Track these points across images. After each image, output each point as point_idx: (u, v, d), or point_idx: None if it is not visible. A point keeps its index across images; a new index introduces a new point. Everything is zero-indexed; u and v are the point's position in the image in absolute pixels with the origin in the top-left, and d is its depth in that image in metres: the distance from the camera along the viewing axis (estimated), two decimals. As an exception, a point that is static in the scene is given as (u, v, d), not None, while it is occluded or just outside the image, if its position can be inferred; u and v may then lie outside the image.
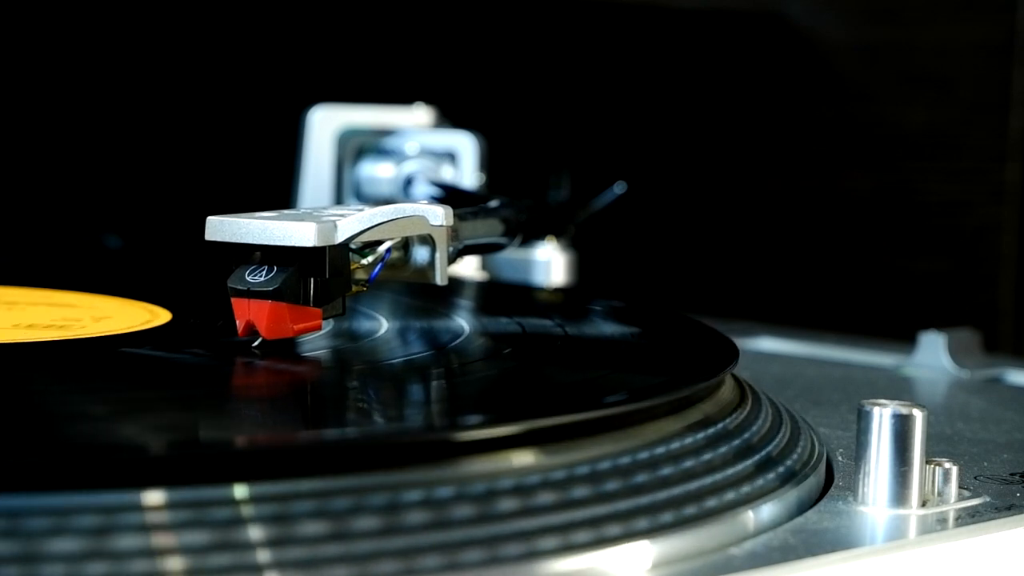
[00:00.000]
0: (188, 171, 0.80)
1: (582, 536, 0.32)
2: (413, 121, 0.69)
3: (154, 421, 0.34)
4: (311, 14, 0.82)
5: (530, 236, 0.57)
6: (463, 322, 0.48)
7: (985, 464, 0.42)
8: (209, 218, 0.42)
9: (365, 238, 0.42)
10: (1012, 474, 0.41)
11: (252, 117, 0.81)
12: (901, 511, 0.36)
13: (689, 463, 0.36)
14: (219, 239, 0.41)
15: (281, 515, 0.29)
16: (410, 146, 0.67)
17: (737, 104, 0.95)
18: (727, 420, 0.39)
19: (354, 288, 0.42)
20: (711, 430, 0.37)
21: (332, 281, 0.41)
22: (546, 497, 0.32)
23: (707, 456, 0.36)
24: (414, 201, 0.53)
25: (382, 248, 0.43)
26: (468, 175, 0.66)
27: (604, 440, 0.35)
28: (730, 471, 0.36)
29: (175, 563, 0.28)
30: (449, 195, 0.60)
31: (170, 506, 0.29)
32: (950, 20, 0.91)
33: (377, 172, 0.67)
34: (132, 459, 0.30)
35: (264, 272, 0.41)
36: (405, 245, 0.44)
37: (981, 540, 0.36)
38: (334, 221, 0.41)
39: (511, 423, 0.34)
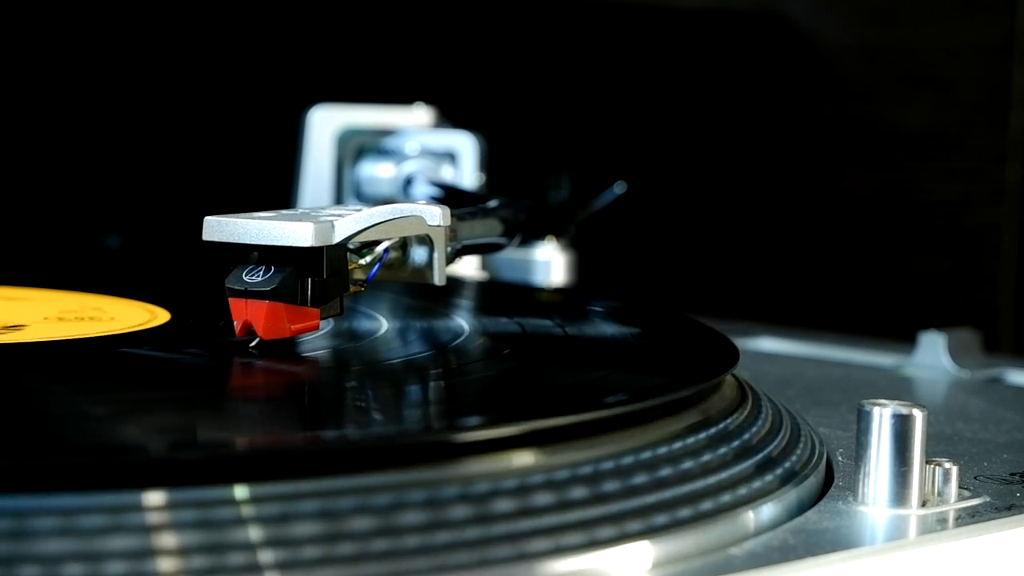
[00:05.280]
0: (188, 171, 0.80)
1: (581, 537, 0.32)
2: (413, 121, 0.69)
3: (154, 422, 0.34)
4: (311, 14, 0.82)
5: (530, 236, 0.57)
6: (463, 322, 0.48)
7: (985, 464, 0.42)
8: (207, 218, 0.42)
9: (363, 238, 0.42)
10: (1012, 474, 0.41)
11: (252, 117, 0.81)
12: (901, 511, 0.36)
13: (689, 463, 0.35)
14: (216, 239, 0.41)
15: (280, 515, 0.29)
16: (410, 146, 0.67)
17: (738, 104, 0.95)
18: (727, 420, 0.39)
19: (352, 288, 0.42)
20: (711, 430, 0.37)
21: (330, 281, 0.41)
22: (546, 498, 0.32)
23: (707, 456, 0.36)
24: (413, 201, 0.53)
25: (380, 248, 0.43)
26: (468, 175, 0.66)
27: (604, 441, 0.35)
28: (730, 471, 0.36)
29: (176, 564, 0.28)
30: (448, 195, 0.60)
31: (170, 506, 0.29)
32: (950, 20, 0.91)
33: (377, 172, 0.67)
34: (133, 460, 0.30)
35: (261, 272, 0.40)
36: (403, 245, 0.44)
37: (981, 540, 0.36)
38: (331, 221, 0.41)
39: (511, 424, 0.34)
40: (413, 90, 0.74)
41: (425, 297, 0.52)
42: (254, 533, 0.29)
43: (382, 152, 0.68)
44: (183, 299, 0.50)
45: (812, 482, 0.38)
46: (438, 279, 0.44)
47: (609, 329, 0.51)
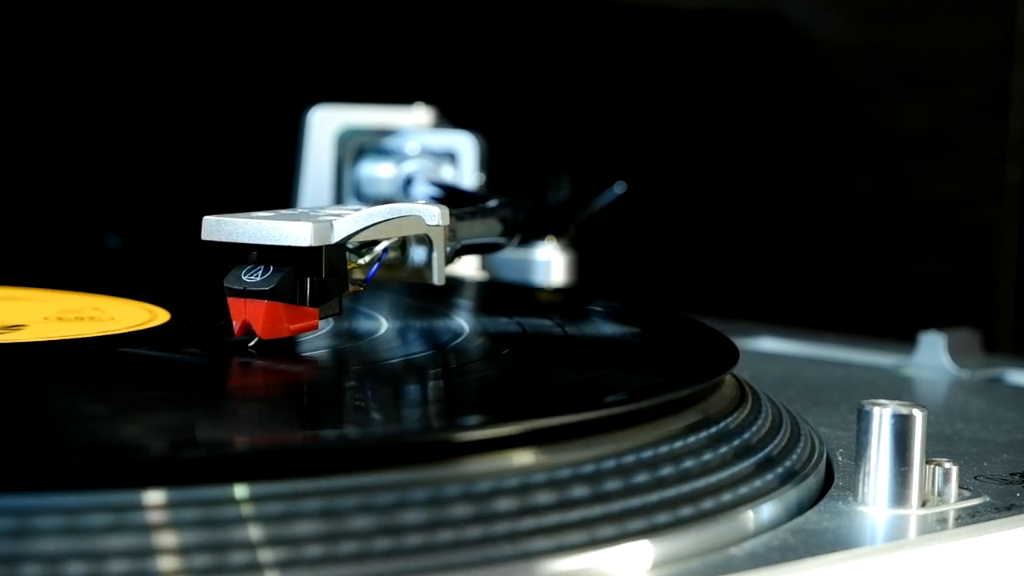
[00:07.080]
0: (188, 171, 0.80)
1: (581, 536, 0.32)
2: (413, 121, 0.69)
3: (154, 421, 0.34)
4: (311, 14, 0.82)
5: (530, 236, 0.57)
6: (463, 322, 0.48)
7: (985, 464, 0.42)
8: (205, 218, 0.42)
9: (362, 238, 0.42)
10: (1012, 474, 0.41)
11: (252, 117, 0.81)
12: (901, 511, 0.36)
13: (689, 463, 0.35)
14: (215, 239, 0.41)
15: (282, 515, 0.29)
16: (410, 146, 0.67)
17: (737, 104, 0.95)
18: (727, 420, 0.39)
19: (351, 288, 0.42)
20: (711, 430, 0.37)
21: (329, 281, 0.41)
22: (545, 497, 0.32)
23: (707, 456, 0.36)
24: (413, 201, 0.53)
25: (379, 248, 0.43)
26: (468, 175, 0.66)
27: (604, 440, 0.35)
28: (730, 471, 0.36)
29: (178, 563, 0.28)
30: (448, 195, 0.60)
31: (172, 505, 0.29)
32: (950, 20, 0.91)
33: (377, 172, 0.67)
34: (135, 459, 0.30)
35: (260, 272, 0.40)
36: (402, 245, 0.44)
37: (981, 540, 0.36)
38: (330, 221, 0.41)
39: (511, 423, 0.34)
40: (413, 90, 0.74)
41: (425, 297, 0.52)
42: (255, 532, 0.29)
43: (382, 152, 0.68)
44: (183, 299, 0.50)
45: (812, 482, 0.38)
46: (437, 279, 0.44)
47: (609, 329, 0.51)
